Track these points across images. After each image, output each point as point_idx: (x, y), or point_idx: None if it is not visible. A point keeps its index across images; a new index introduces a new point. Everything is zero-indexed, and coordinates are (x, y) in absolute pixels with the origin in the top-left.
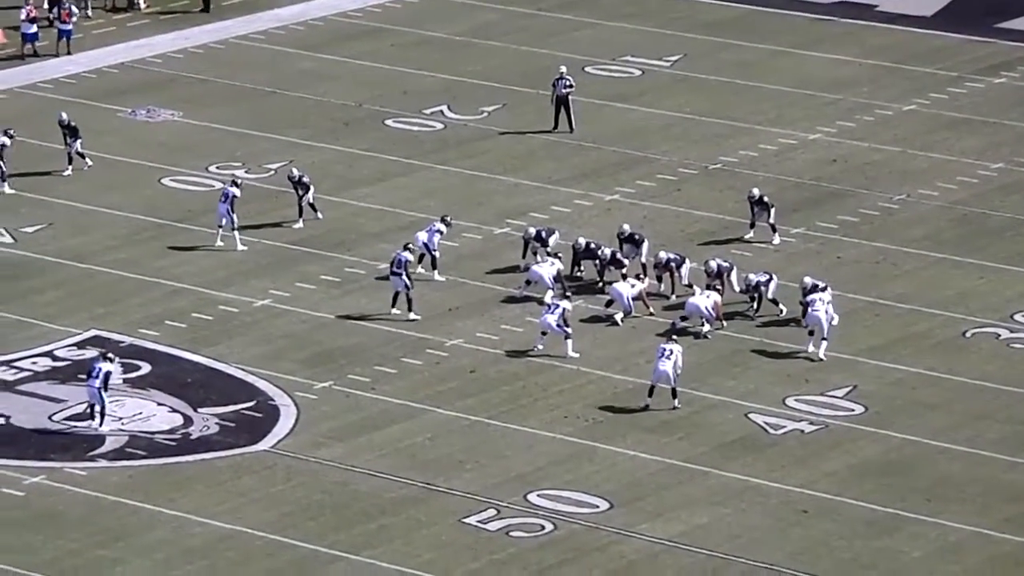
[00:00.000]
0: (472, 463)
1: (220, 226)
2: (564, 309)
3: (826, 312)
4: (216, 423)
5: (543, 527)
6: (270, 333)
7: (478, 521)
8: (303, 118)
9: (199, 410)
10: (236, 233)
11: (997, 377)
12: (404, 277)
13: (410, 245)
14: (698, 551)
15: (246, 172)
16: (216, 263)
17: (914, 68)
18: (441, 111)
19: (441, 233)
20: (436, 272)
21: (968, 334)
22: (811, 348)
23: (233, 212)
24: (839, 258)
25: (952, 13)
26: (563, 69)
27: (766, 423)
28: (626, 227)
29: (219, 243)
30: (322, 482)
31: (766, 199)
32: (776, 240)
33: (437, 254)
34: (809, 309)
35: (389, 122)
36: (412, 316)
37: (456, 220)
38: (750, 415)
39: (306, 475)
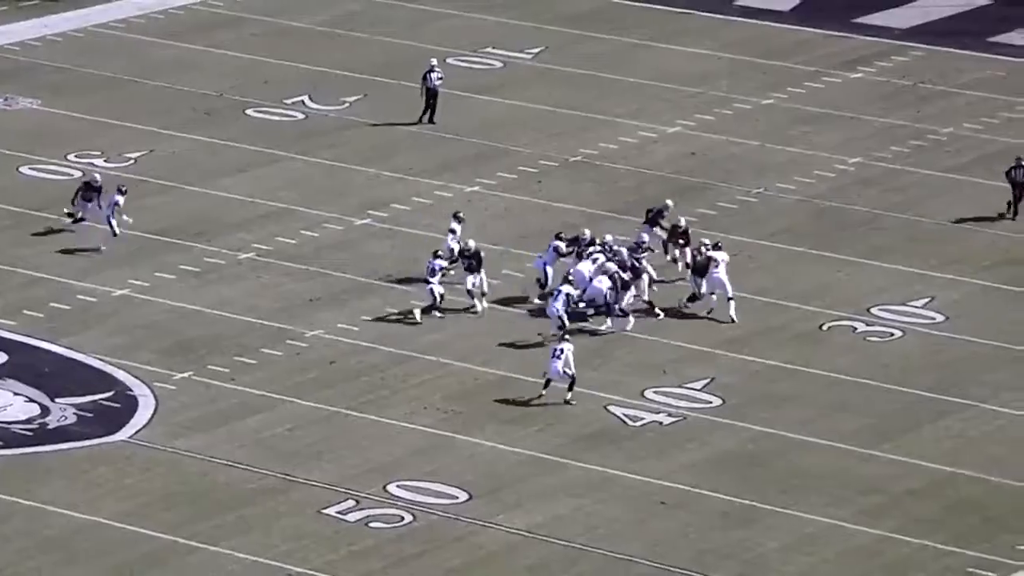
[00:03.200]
0: (331, 454)
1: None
2: (568, 353)
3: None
4: (74, 413)
5: (402, 518)
6: (129, 323)
7: (337, 512)
8: (164, 107)
9: (56, 400)
10: (114, 223)
11: (853, 370)
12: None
13: (440, 252)
14: (556, 542)
15: (105, 161)
16: (74, 253)
17: (772, 62)
18: (302, 101)
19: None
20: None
21: (825, 327)
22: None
23: (113, 218)
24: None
25: (810, 8)
26: (433, 61)
27: (625, 415)
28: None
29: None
30: (180, 473)
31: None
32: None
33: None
34: (711, 271)
35: (250, 112)
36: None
37: (316, 211)
38: (609, 407)
39: (164, 466)
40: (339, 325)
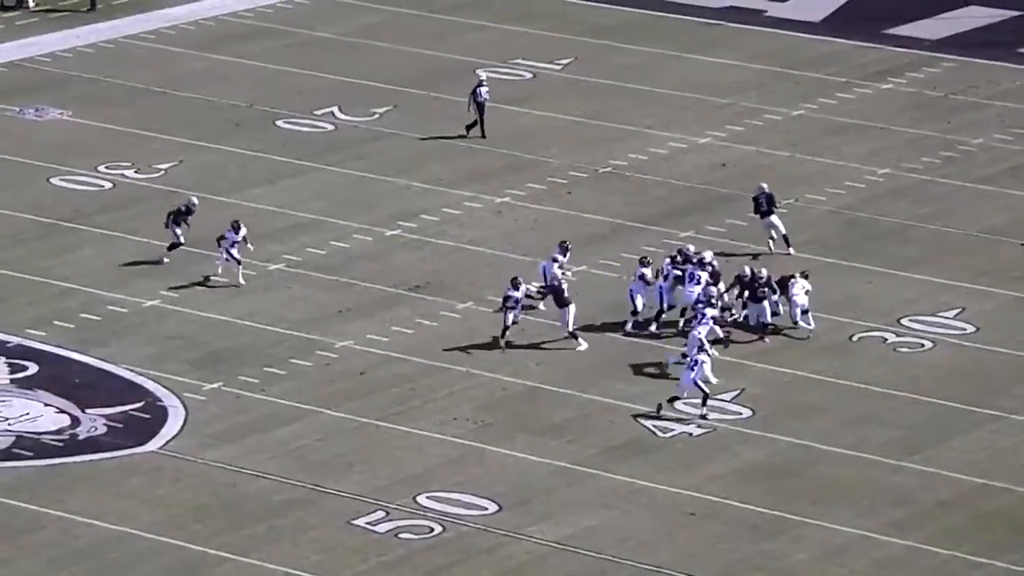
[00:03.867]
0: (361, 465)
1: (228, 260)
2: (705, 366)
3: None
4: (104, 424)
5: (432, 529)
6: (159, 334)
7: (367, 523)
8: (194, 118)
9: (87, 411)
10: (240, 268)
11: (883, 381)
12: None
13: (518, 279)
14: (586, 553)
15: (136, 172)
16: (105, 263)
17: (803, 73)
18: (332, 112)
19: (556, 261)
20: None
21: (855, 338)
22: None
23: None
24: (728, 260)
25: (840, 19)
26: (482, 76)
27: (654, 426)
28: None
29: (218, 272)
30: (210, 483)
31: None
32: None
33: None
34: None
35: (280, 123)
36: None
37: (346, 221)
38: (639, 418)
39: (194, 476)
40: (369, 336)
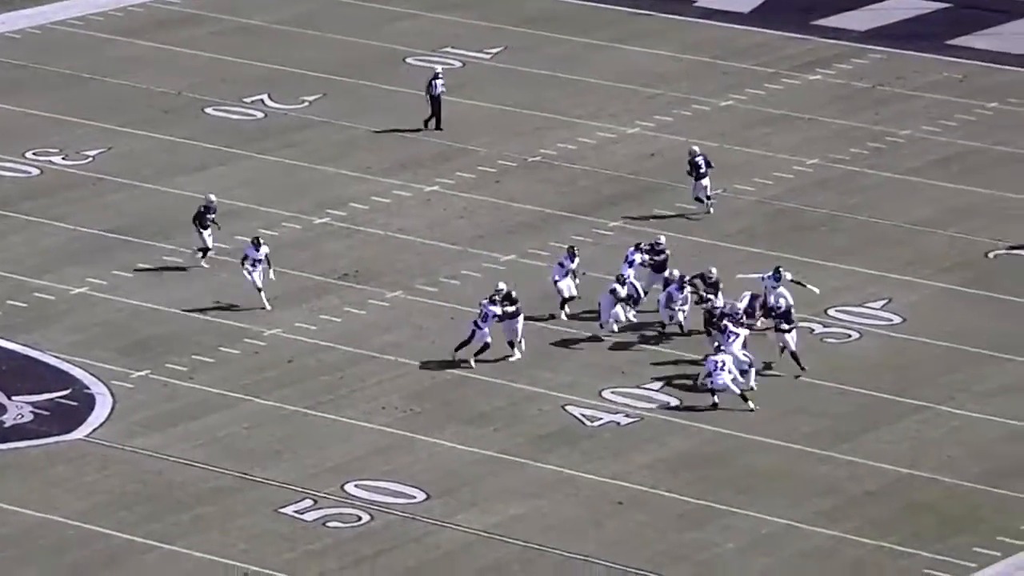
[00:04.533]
0: (289, 453)
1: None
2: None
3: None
4: (30, 411)
5: (360, 517)
6: (86, 321)
7: (295, 511)
8: (122, 105)
9: (13, 398)
10: (262, 295)
11: (811, 371)
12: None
13: (495, 295)
14: (513, 542)
15: (64, 159)
16: (31, 250)
17: (731, 63)
18: (262, 100)
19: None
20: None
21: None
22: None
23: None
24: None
25: (769, 9)
26: (438, 69)
27: (583, 415)
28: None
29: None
30: (137, 471)
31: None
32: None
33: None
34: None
35: (209, 110)
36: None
37: (275, 209)
38: (567, 407)
39: (121, 464)
40: (297, 324)
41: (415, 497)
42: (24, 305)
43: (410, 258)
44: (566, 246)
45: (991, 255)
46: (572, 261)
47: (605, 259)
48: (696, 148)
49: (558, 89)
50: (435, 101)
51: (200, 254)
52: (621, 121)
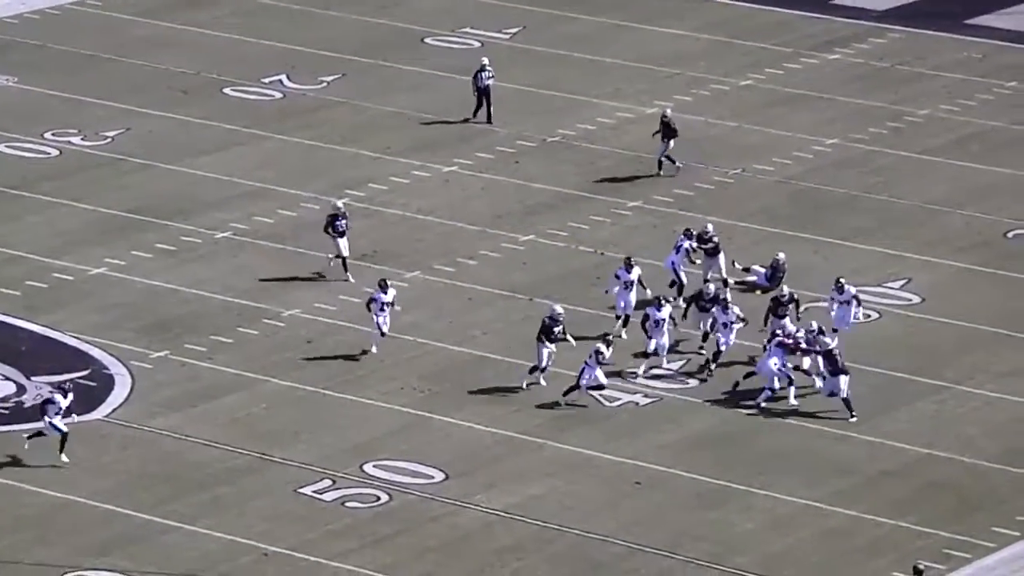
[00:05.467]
0: (307, 433)
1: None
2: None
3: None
4: (50, 391)
5: (378, 498)
6: (105, 302)
7: (313, 491)
8: (141, 85)
9: (32, 378)
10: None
11: None
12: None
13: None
14: (532, 522)
15: (83, 139)
16: (50, 231)
17: (750, 43)
18: (280, 80)
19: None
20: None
21: (802, 308)
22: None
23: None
24: (675, 231)
25: None
26: (485, 60)
27: (601, 396)
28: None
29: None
30: (156, 452)
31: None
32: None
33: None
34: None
35: (227, 91)
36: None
37: (294, 190)
38: (589, 390)
39: (140, 445)
40: (316, 305)
41: (433, 477)
42: (44, 286)
43: (429, 238)
44: (622, 258)
45: (1010, 235)
46: (629, 272)
47: (625, 240)
48: (668, 111)
49: (577, 69)
50: (483, 93)
51: (332, 261)
52: (639, 101)
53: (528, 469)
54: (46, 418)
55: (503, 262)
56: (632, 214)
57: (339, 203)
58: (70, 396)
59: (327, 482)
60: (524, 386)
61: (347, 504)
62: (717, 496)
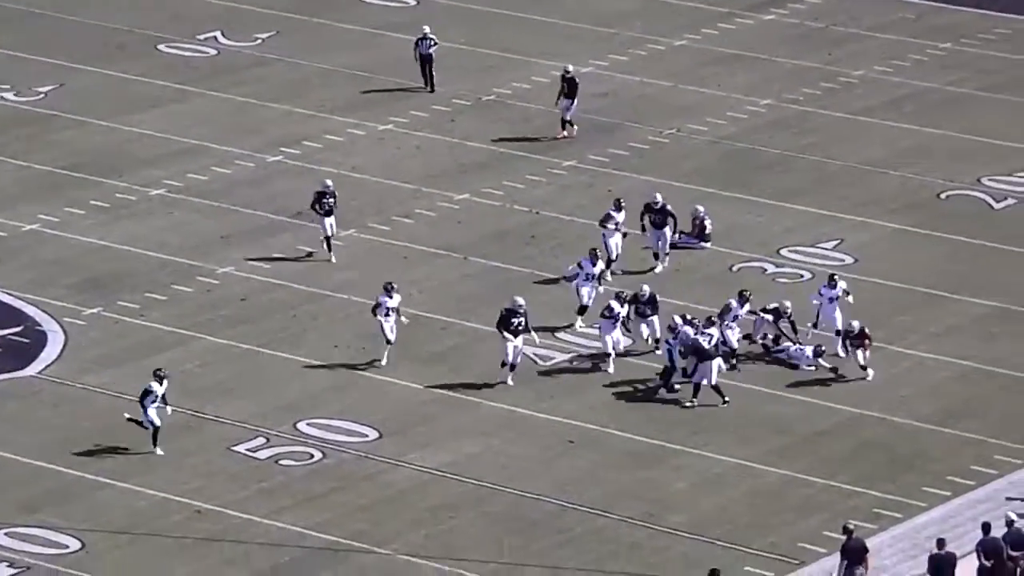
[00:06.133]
0: (242, 391)
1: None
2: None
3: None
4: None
5: (312, 455)
6: (39, 258)
7: (247, 449)
8: (75, 41)
9: None
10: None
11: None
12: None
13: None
14: (467, 481)
15: (16, 95)
16: None
17: (686, 3)
18: (215, 37)
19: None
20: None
21: (735, 268)
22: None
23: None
24: (610, 191)
25: None
26: (426, 28)
27: (536, 354)
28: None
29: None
30: (89, 409)
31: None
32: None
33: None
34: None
35: (162, 47)
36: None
37: (228, 147)
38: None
39: (73, 401)
40: (250, 262)
41: (368, 436)
42: None
43: (363, 196)
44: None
45: (943, 196)
46: (594, 265)
47: (559, 199)
48: (570, 67)
49: (512, 27)
50: (424, 61)
51: (325, 244)
52: (575, 60)
53: (463, 428)
54: (148, 413)
55: (438, 220)
56: (567, 173)
57: (328, 181)
58: (165, 383)
59: (261, 440)
60: (509, 382)
61: (281, 462)
62: (651, 455)
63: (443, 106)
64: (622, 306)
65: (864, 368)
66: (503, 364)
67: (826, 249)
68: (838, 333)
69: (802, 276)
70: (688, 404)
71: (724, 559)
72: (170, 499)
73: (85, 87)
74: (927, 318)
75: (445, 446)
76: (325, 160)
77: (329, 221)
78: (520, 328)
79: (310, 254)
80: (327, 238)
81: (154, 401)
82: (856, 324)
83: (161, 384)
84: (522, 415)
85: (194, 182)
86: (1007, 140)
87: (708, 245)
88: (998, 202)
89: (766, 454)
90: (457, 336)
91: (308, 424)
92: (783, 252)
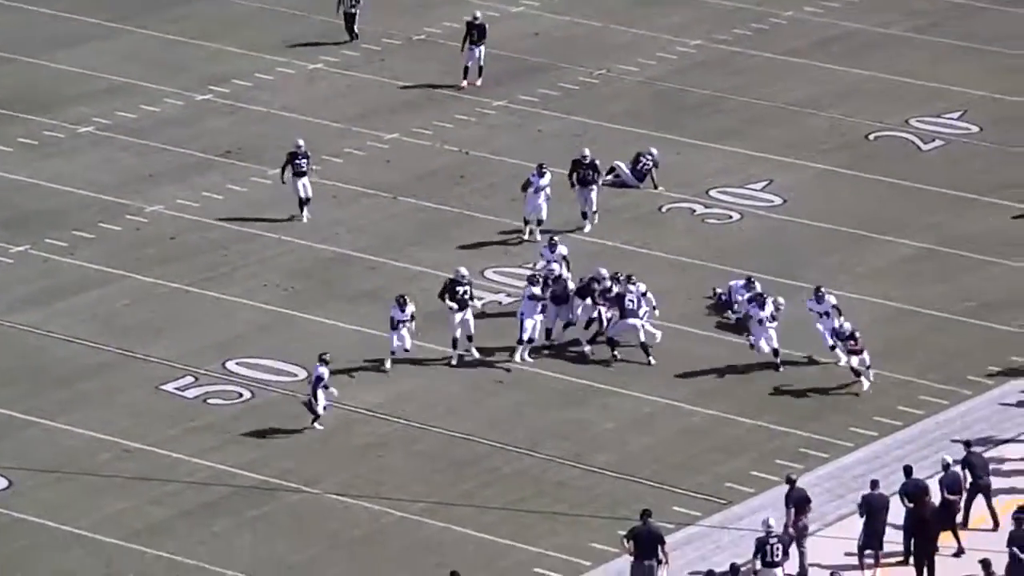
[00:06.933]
0: (170, 330)
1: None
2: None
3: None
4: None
5: (241, 395)
6: None
7: (175, 388)
8: None
9: None
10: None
11: (692, 252)
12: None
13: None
14: (395, 420)
15: None
16: None
17: None
18: None
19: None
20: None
21: (664, 209)
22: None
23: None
24: (540, 131)
25: None
26: None
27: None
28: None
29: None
30: (17, 347)
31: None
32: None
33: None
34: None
35: None
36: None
37: (157, 85)
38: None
39: (1, 340)
40: (179, 201)
41: (296, 375)
42: None
43: (293, 136)
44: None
45: (872, 136)
46: (553, 252)
47: (489, 139)
48: (479, 13)
49: None
50: (347, 18)
51: (300, 208)
52: (505, 0)
53: (392, 368)
54: (318, 398)
55: (367, 160)
56: (496, 113)
57: (300, 141)
58: (328, 366)
59: (189, 379)
60: (453, 362)
61: (209, 401)
62: (579, 395)
63: (373, 45)
64: (543, 289)
65: (858, 375)
66: (453, 342)
67: (755, 190)
68: (832, 348)
69: (730, 217)
70: (613, 357)
71: (652, 499)
72: (99, 438)
73: (10, 22)
74: (854, 259)
75: (374, 386)
76: (254, 99)
77: (302, 182)
78: (466, 297)
79: (291, 218)
80: (301, 200)
81: (323, 386)
82: (848, 326)
83: (326, 367)
84: (451, 354)
85: (122, 120)
86: (935, 82)
87: (640, 186)
88: (926, 143)
89: (694, 394)
90: (385, 276)
91: (237, 363)
92: (712, 193)
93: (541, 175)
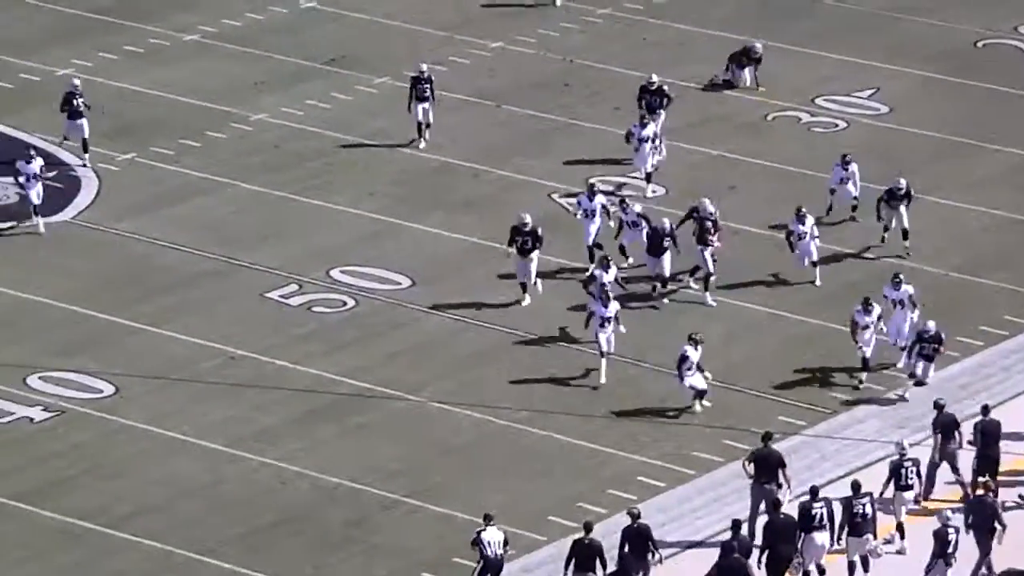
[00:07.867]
0: (275, 238)
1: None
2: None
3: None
4: (16, 192)
5: (345, 303)
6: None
7: (280, 296)
8: None
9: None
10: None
11: (797, 160)
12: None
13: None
14: (499, 328)
15: None
16: (16, 31)
17: None
18: None
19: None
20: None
21: (769, 117)
22: None
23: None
24: (645, 39)
25: None
26: None
27: (568, 203)
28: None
29: None
30: (123, 254)
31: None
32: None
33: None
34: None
35: None
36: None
37: None
38: (552, 195)
39: (107, 247)
40: (284, 109)
41: (401, 283)
42: (10, 86)
43: (397, 43)
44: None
45: (979, 44)
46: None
47: (594, 47)
48: None
49: None
50: None
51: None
52: None
53: (495, 277)
54: (684, 381)
55: (471, 68)
56: (602, 22)
57: (423, 65)
58: (700, 349)
59: (294, 287)
60: (524, 303)
61: (313, 309)
62: (681, 306)
63: None
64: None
65: (918, 384)
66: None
67: (861, 98)
68: (903, 349)
69: (836, 125)
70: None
71: (756, 409)
72: (203, 345)
73: None
74: (960, 168)
75: (477, 295)
76: (356, 7)
77: (423, 107)
78: (527, 247)
79: (411, 141)
80: (420, 124)
81: (689, 368)
82: (932, 326)
83: (696, 349)
84: (556, 264)
85: (227, 28)
86: None
87: (736, 91)
88: None
89: (800, 305)
90: (488, 185)
91: (341, 271)
92: (818, 101)
93: (643, 126)
